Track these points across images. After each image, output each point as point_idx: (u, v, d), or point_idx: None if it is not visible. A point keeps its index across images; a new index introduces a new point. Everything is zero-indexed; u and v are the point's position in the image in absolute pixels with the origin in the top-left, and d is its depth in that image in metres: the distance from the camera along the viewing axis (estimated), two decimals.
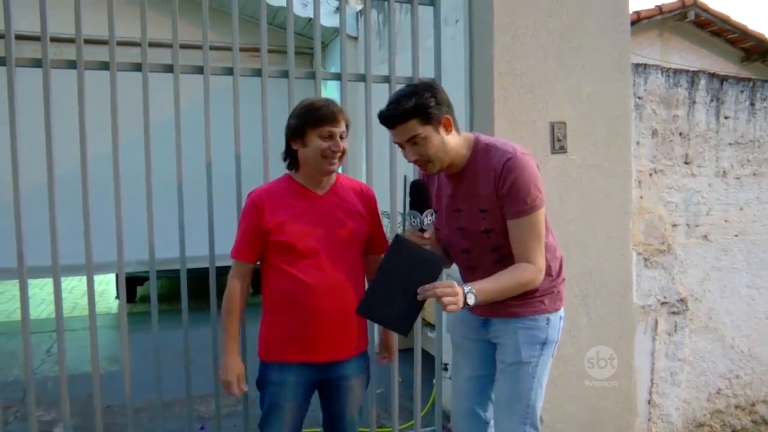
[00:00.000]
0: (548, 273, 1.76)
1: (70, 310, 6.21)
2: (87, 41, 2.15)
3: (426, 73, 2.54)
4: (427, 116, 1.64)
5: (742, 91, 3.27)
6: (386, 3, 2.48)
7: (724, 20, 8.09)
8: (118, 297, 6.83)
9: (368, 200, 1.97)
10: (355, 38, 4.97)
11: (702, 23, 8.19)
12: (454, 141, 1.71)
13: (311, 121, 1.79)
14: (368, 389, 2.26)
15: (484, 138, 1.78)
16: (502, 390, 1.82)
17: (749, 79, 3.38)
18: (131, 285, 6.41)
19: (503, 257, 1.73)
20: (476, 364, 1.91)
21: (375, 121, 2.49)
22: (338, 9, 2.50)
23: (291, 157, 1.89)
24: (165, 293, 6.16)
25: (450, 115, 1.70)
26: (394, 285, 1.57)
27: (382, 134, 2.57)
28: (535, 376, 1.78)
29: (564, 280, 1.86)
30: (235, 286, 1.86)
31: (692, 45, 8.33)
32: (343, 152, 1.84)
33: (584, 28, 2.51)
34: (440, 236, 1.87)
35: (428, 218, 1.71)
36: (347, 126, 1.87)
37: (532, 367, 1.77)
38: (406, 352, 3.03)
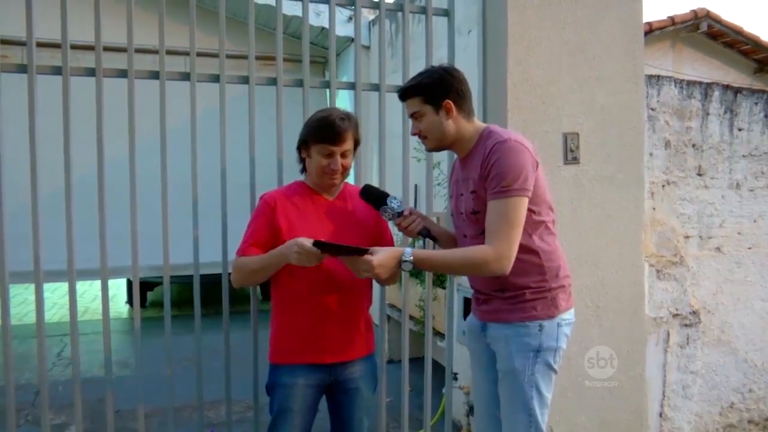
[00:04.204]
0: (541, 276, 1.74)
1: (80, 314, 6.24)
2: (105, 48, 2.18)
3: None
4: (428, 96, 1.76)
5: (756, 103, 3.26)
6: (399, 12, 2.50)
7: (737, 31, 8.06)
8: (128, 302, 6.96)
9: None
10: (367, 47, 5.01)
11: (714, 34, 8.16)
12: (455, 125, 1.78)
13: (314, 137, 1.83)
14: (378, 398, 2.26)
15: (493, 127, 1.81)
16: (502, 399, 1.80)
17: (763, 91, 3.36)
18: (142, 290, 6.47)
19: None
20: (486, 368, 1.90)
21: (388, 130, 2.52)
22: (350, 18, 2.52)
23: (303, 161, 1.94)
24: (175, 299, 6.19)
25: (455, 101, 1.76)
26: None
27: (395, 143, 2.59)
28: (534, 385, 1.72)
29: (564, 287, 1.79)
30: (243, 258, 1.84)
31: (705, 56, 8.30)
32: (345, 169, 1.87)
33: (598, 40, 2.52)
34: (454, 222, 1.93)
35: (394, 203, 1.87)
36: (357, 143, 1.89)
37: (528, 376, 1.73)
38: (417, 362, 3.02)
